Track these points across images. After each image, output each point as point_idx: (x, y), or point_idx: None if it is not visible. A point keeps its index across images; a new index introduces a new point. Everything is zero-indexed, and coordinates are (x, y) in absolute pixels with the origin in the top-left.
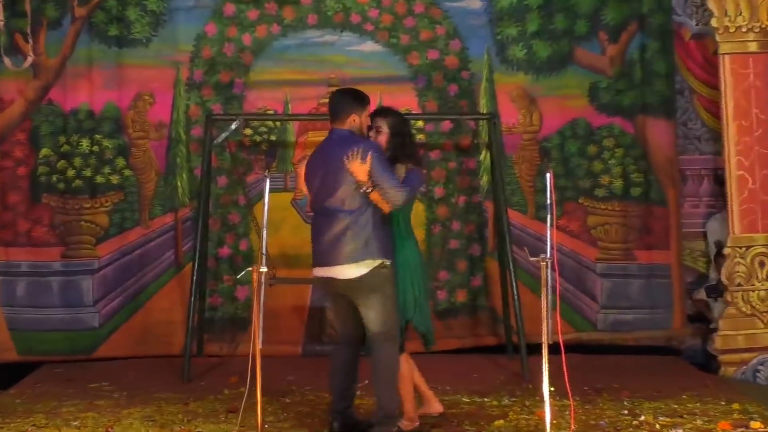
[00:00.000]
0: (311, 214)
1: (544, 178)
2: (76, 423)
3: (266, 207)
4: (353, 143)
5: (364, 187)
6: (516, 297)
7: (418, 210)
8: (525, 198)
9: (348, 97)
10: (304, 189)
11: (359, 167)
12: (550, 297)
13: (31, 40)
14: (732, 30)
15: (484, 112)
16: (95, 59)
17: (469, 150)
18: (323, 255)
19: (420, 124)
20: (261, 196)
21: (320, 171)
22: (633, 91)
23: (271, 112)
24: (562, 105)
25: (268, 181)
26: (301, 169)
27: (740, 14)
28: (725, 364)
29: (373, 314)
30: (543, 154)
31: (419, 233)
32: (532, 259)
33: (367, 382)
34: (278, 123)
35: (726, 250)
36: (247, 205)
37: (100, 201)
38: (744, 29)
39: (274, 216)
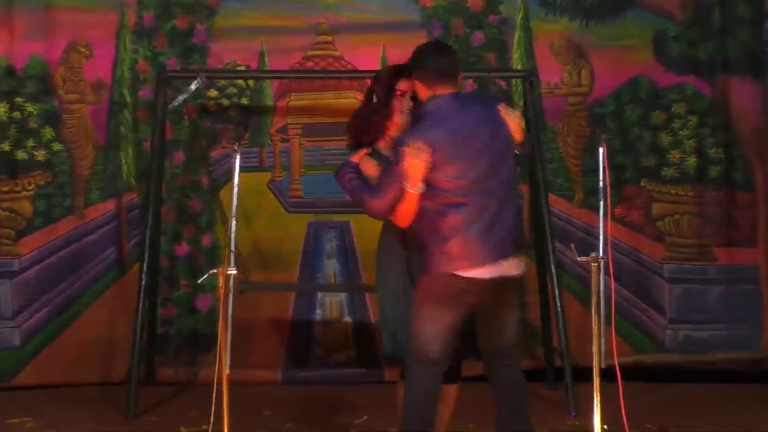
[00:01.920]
0: (461, 201)
1: (596, 155)
2: None
3: (235, 191)
4: (492, 101)
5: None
6: (559, 308)
7: None
8: (571, 180)
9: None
10: (417, 181)
11: (518, 124)
12: (603, 308)
13: None
14: None
15: (519, 68)
16: (15, 0)
17: None
18: (498, 248)
19: None
20: (229, 177)
21: (482, 145)
22: (711, 41)
23: (242, 68)
24: (619, 59)
25: (238, 157)
26: (418, 157)
27: None
28: None
29: (514, 320)
30: (594, 122)
31: None
32: (580, 259)
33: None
34: (252, 82)
35: None
36: (212, 189)
37: (22, 183)
38: None
39: (247, 202)
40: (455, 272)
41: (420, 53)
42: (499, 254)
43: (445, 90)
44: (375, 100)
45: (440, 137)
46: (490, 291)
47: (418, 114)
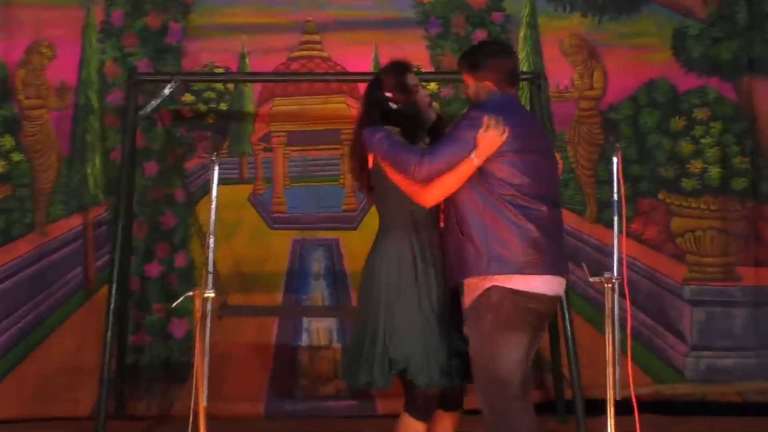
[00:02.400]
0: (526, 202)
1: (610, 164)
2: None
3: (213, 205)
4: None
5: None
6: (570, 334)
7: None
8: (582, 192)
9: None
10: (485, 155)
11: None
12: (618, 334)
13: None
14: None
15: (525, 69)
16: None
17: None
18: (558, 262)
19: (432, 87)
20: (207, 190)
21: (546, 149)
22: (736, 40)
23: (221, 70)
24: (635, 60)
25: (216, 168)
26: (496, 129)
27: None
28: None
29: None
30: (608, 129)
31: None
32: (592, 279)
33: None
34: (231, 86)
35: None
36: (187, 203)
37: None
38: None
39: (226, 218)
40: (517, 287)
41: (487, 53)
42: (558, 268)
43: (511, 90)
44: (391, 104)
45: (518, 123)
46: (550, 310)
47: (479, 105)
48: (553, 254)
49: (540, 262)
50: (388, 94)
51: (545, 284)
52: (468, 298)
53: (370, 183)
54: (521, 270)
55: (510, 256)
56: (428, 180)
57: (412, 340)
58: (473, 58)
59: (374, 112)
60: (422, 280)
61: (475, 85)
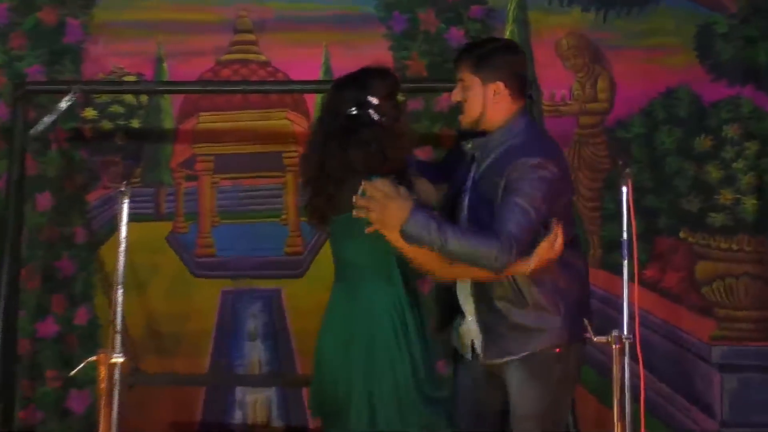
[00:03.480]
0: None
1: (618, 195)
2: None
3: (123, 247)
4: None
5: None
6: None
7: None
8: (584, 230)
9: None
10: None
11: None
12: (629, 407)
13: None
14: None
15: None
16: None
17: None
18: (589, 311)
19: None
20: (114, 229)
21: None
22: None
23: (132, 78)
24: (649, 64)
25: (126, 201)
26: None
27: None
28: None
29: None
30: (616, 151)
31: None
32: (596, 339)
33: None
34: (145, 98)
35: None
36: (90, 245)
37: None
38: None
39: (138, 263)
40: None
41: (498, 47)
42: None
43: (521, 102)
44: (374, 113)
45: (563, 158)
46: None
47: (504, 129)
48: (588, 306)
49: (587, 319)
50: (374, 100)
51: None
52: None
53: (326, 212)
54: (580, 330)
55: (580, 313)
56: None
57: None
58: (481, 52)
59: (340, 120)
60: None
61: (480, 89)
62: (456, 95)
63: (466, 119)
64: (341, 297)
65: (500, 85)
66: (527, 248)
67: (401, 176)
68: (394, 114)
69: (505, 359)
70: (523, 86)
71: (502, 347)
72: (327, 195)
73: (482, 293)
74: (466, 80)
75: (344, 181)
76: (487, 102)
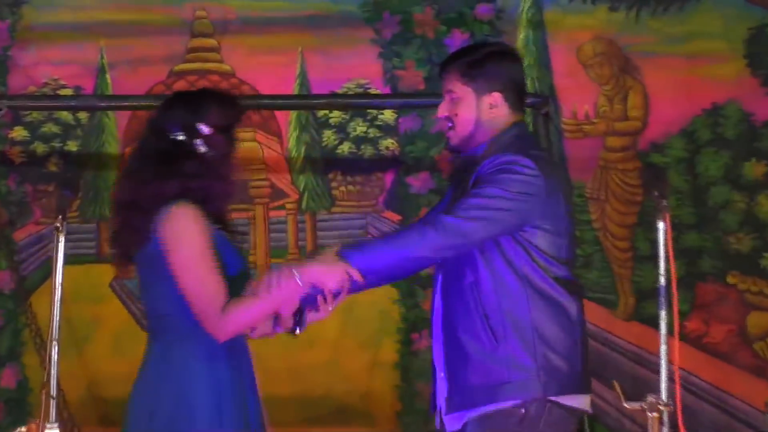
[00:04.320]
0: (564, 281)
1: (653, 232)
2: None
3: (58, 295)
4: None
5: None
6: None
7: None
8: (612, 274)
9: None
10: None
11: None
12: None
13: None
14: None
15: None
16: None
17: None
18: (587, 371)
19: (387, 115)
20: (47, 273)
21: (570, 210)
22: None
23: (69, 91)
24: (690, 75)
25: (62, 239)
26: (529, 184)
27: None
28: None
29: None
30: (650, 179)
31: (388, 344)
32: (628, 405)
33: None
34: (85, 115)
35: None
36: (18, 294)
37: None
38: None
39: (78, 314)
40: (564, 400)
41: (493, 53)
42: (588, 379)
43: (519, 115)
44: (199, 144)
45: (551, 172)
46: None
47: (493, 140)
48: (586, 363)
49: (584, 378)
50: (205, 129)
51: (585, 403)
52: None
53: (130, 246)
54: (582, 385)
55: (565, 365)
56: (441, 253)
57: None
58: (473, 58)
59: (163, 143)
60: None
61: (474, 101)
62: (443, 109)
63: (456, 137)
64: (150, 358)
65: (497, 96)
66: (468, 237)
67: (220, 220)
68: (224, 151)
69: (464, 420)
70: (523, 97)
71: (463, 399)
72: (133, 226)
73: (449, 326)
74: (456, 91)
75: (154, 212)
76: (481, 116)
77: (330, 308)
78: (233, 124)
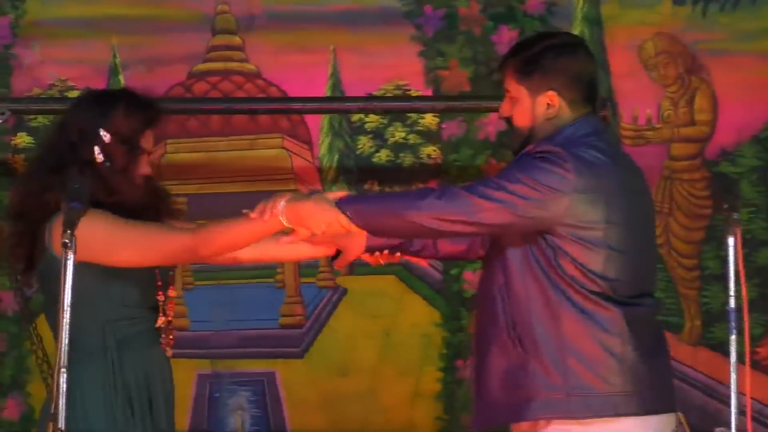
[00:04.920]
0: (637, 304)
1: (723, 248)
2: None
3: (67, 318)
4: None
5: None
6: None
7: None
8: (677, 295)
9: None
10: (532, 209)
11: None
12: None
13: None
14: None
15: None
16: None
17: None
18: (668, 391)
19: (428, 120)
20: (54, 295)
21: (652, 220)
22: None
23: (77, 94)
24: (763, 75)
25: (71, 256)
26: (554, 175)
27: None
28: None
29: None
30: (720, 191)
31: (430, 373)
32: None
33: None
34: None
35: None
36: (24, 315)
37: None
38: None
39: None
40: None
41: (551, 46)
42: (668, 400)
43: (585, 110)
44: (100, 156)
45: (598, 175)
46: None
47: (534, 136)
48: (663, 381)
49: (639, 392)
50: (106, 136)
51: (643, 428)
52: None
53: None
54: (617, 409)
55: (600, 385)
56: (442, 227)
57: None
58: (527, 54)
59: (60, 145)
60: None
61: (529, 102)
62: (504, 110)
63: (516, 139)
64: None
65: (552, 95)
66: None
67: None
68: (123, 164)
69: None
70: (589, 93)
71: (487, 417)
72: (23, 239)
73: (479, 334)
74: (511, 91)
75: (43, 222)
76: (537, 117)
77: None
78: (141, 133)
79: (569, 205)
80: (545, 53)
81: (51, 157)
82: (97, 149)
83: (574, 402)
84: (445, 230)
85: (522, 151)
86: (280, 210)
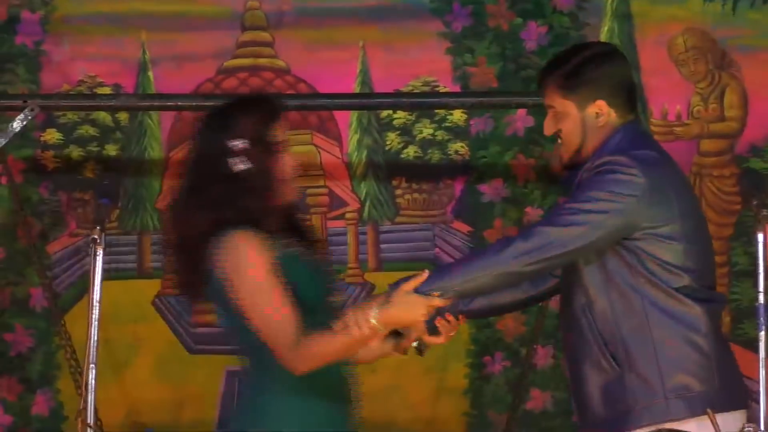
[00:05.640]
0: (718, 302)
1: (753, 245)
2: None
3: (95, 314)
4: None
5: None
6: None
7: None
8: None
9: None
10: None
11: None
12: None
13: None
14: None
15: None
16: None
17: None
18: (742, 385)
19: (457, 116)
20: (83, 290)
21: (703, 216)
22: None
23: (107, 90)
24: None
25: (100, 252)
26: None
27: None
28: None
29: None
30: (750, 187)
31: (455, 373)
32: None
33: None
34: (125, 116)
35: None
36: (52, 312)
37: None
38: None
39: (117, 335)
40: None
41: (592, 57)
42: (746, 394)
43: (630, 120)
44: (235, 162)
45: (658, 171)
46: None
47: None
48: (738, 371)
49: (728, 387)
50: (237, 143)
51: (733, 423)
52: None
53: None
54: (713, 405)
55: (695, 383)
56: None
57: None
58: (569, 68)
59: (201, 169)
60: None
61: (578, 115)
62: (548, 127)
63: (567, 153)
64: (242, 393)
65: (601, 104)
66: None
67: (296, 232)
68: (263, 164)
69: None
70: (632, 95)
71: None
72: (186, 267)
73: (570, 357)
74: (557, 106)
75: (202, 248)
76: (587, 127)
77: (451, 333)
78: (266, 125)
79: (647, 206)
80: (586, 64)
81: (189, 183)
82: (232, 161)
83: (673, 404)
84: (541, 269)
85: (577, 166)
86: (375, 321)
